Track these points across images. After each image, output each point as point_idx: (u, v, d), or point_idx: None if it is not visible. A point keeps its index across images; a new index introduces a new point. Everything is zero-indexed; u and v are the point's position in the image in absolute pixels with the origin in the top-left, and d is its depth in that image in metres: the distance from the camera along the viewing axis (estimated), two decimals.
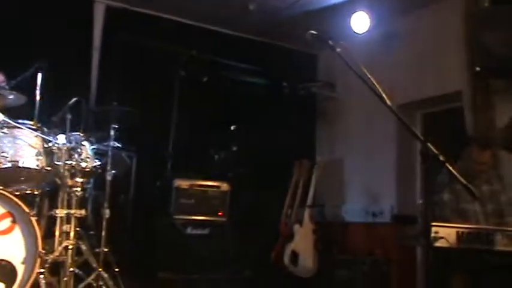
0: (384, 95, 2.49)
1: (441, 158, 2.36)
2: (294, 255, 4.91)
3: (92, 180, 4.30)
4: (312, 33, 2.74)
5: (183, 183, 5.01)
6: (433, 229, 2.68)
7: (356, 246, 5.66)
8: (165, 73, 5.70)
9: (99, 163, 3.91)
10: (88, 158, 3.78)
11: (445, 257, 3.11)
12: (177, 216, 4.90)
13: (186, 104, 5.64)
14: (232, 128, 5.68)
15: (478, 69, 4.03)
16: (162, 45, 5.53)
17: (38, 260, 3.19)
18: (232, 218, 5.33)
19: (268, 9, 5.61)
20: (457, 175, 2.43)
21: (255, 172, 5.82)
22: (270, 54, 6.43)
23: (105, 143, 4.12)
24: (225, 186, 5.22)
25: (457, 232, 2.78)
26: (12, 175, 3.42)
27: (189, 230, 4.89)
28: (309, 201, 5.18)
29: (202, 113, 5.96)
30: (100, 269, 3.65)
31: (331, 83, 6.35)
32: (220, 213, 5.12)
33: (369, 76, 2.53)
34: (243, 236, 5.67)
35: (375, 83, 2.51)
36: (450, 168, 2.40)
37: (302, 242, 4.99)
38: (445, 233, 2.75)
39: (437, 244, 2.70)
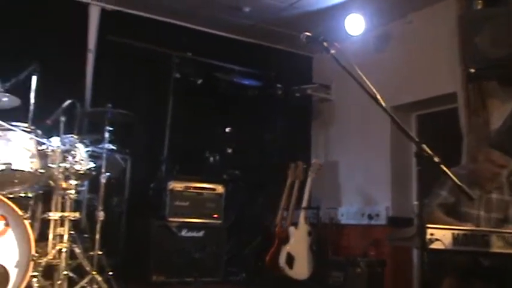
0: (378, 97, 2.48)
1: (436, 159, 2.36)
2: (290, 258, 4.89)
3: (86, 183, 4.30)
4: (307, 35, 2.74)
5: (178, 186, 5.00)
6: (428, 231, 2.64)
7: (351, 248, 5.66)
8: (159, 75, 5.70)
9: (93, 165, 3.89)
10: (82, 160, 3.75)
11: (438, 258, 3.08)
12: (171, 219, 4.87)
13: (181, 106, 5.64)
14: (227, 130, 5.67)
15: (472, 70, 4.04)
16: (156, 47, 5.52)
17: (31, 263, 3.17)
18: (227, 220, 5.31)
19: (263, 12, 5.62)
20: (452, 176, 2.42)
21: (250, 174, 5.81)
22: (265, 56, 6.43)
23: (100, 146, 4.11)
24: (220, 189, 5.21)
25: (453, 234, 2.74)
26: (6, 178, 3.39)
27: (183, 233, 4.87)
28: (304, 203, 5.16)
29: (196, 115, 5.95)
30: (94, 272, 3.61)
31: (326, 85, 6.35)
32: (215, 216, 5.11)
33: (363, 78, 2.53)
34: (238, 239, 5.66)
35: (369, 85, 2.50)
36: (445, 169, 2.39)
37: (297, 244, 4.97)
38: (441, 235, 2.70)
39: (433, 246, 2.66)
